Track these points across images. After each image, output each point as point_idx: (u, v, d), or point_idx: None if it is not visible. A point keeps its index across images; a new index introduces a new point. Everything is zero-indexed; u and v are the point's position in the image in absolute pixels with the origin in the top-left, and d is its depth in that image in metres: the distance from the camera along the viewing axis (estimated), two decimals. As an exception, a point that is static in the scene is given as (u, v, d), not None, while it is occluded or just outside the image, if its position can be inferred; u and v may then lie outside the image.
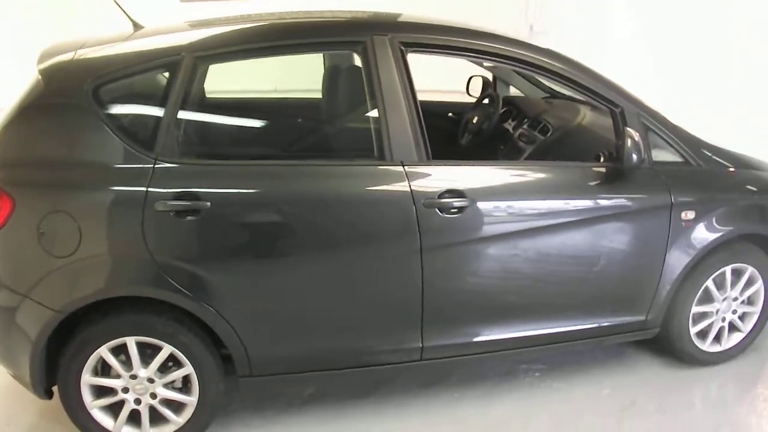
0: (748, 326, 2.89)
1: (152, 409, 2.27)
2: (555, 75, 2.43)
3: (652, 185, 2.49)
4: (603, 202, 2.44)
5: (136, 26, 2.47)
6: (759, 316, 2.88)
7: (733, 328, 2.88)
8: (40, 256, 2.05)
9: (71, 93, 2.08)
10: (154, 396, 2.25)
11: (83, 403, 2.21)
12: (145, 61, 2.14)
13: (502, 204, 2.34)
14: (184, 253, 2.12)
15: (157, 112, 2.13)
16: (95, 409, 2.24)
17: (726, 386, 2.81)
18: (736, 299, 2.81)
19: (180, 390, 2.29)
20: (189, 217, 2.07)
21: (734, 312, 2.84)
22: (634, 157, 2.34)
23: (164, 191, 2.06)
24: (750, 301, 2.87)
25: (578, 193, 2.44)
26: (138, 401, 2.25)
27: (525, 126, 3.16)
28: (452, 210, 2.24)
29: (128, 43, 2.24)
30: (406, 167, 2.21)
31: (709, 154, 2.66)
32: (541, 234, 2.40)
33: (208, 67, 2.20)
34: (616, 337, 2.69)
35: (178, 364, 2.24)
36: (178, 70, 2.11)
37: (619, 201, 2.46)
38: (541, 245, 2.41)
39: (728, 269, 2.73)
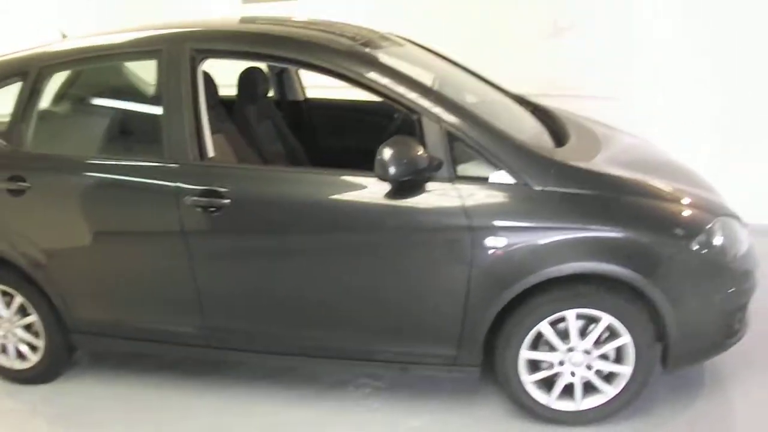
0: (614, 389, 2.33)
1: (16, 348, 2.84)
2: (344, 79, 2.31)
3: (445, 203, 2.20)
4: (379, 216, 2.26)
5: (64, 37, 3.05)
6: (630, 380, 2.30)
7: (592, 387, 2.35)
8: None
9: None
10: (14, 335, 2.82)
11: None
12: (9, 70, 2.70)
13: (265, 207, 2.34)
14: (17, 225, 2.63)
15: (13, 110, 2.66)
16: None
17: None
18: (589, 353, 2.29)
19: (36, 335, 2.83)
20: (16, 196, 2.57)
21: (590, 368, 2.31)
22: (392, 169, 2.12)
23: (3, 173, 2.59)
24: (619, 359, 2.30)
25: (351, 204, 2.30)
26: (5, 337, 2.85)
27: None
28: (211, 209, 2.33)
29: (12, 55, 2.80)
30: (177, 165, 2.38)
31: (551, 173, 2.21)
32: (308, 242, 2.33)
33: (52, 75, 2.64)
34: (421, 367, 2.44)
35: (36, 313, 2.77)
36: (28, 78, 2.62)
37: (400, 217, 2.24)
38: (306, 253, 2.34)
39: (571, 314, 2.25)
